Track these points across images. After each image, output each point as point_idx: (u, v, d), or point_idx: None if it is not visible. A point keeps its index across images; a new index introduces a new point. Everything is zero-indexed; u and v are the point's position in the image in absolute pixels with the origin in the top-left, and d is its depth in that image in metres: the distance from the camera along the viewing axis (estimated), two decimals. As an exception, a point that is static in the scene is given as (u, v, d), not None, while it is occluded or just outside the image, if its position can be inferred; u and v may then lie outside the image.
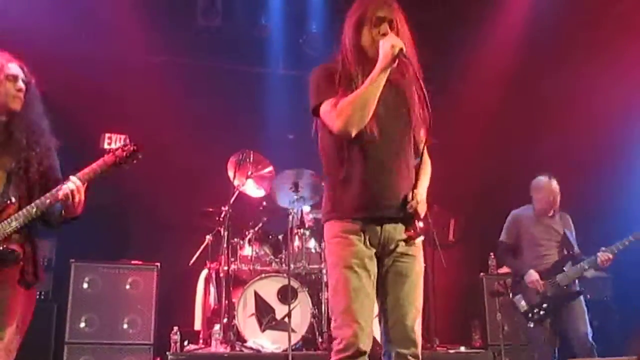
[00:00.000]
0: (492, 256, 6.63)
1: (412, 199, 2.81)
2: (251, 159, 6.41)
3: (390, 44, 2.74)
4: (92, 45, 7.22)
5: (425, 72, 2.87)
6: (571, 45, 7.32)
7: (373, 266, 2.82)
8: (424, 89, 2.80)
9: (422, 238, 2.87)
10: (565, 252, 5.64)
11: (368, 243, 2.82)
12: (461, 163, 7.87)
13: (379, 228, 2.81)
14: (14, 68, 3.19)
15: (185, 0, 7.61)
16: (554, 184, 5.77)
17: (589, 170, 7.05)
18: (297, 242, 6.11)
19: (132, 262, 6.28)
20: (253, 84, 8.06)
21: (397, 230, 2.84)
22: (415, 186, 2.88)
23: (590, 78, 7.08)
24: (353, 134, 2.75)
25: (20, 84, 3.18)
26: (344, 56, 2.90)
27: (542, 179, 5.83)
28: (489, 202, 7.83)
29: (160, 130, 7.59)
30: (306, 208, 6.41)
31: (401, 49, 2.73)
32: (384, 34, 2.83)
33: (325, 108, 2.82)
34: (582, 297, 5.58)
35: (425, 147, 2.98)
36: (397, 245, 2.85)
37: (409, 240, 2.85)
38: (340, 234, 2.84)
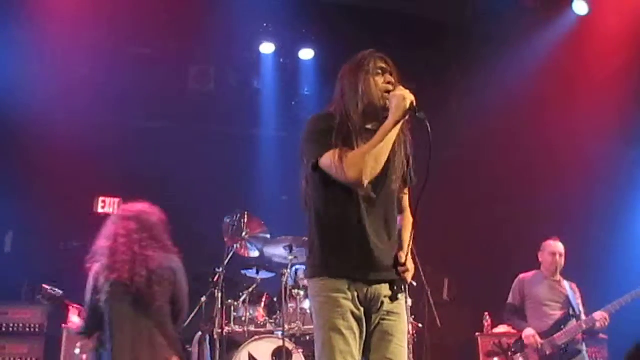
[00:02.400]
0: (487, 315, 6.73)
1: (404, 264, 2.86)
2: (245, 220, 6.43)
3: (403, 96, 2.79)
4: (85, 110, 7.41)
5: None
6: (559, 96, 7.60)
7: (361, 326, 2.83)
8: (409, 150, 2.95)
9: (409, 302, 2.94)
10: (570, 313, 5.78)
11: (357, 301, 2.83)
12: (455, 223, 8.00)
13: (366, 287, 2.84)
14: None
15: (179, 65, 7.82)
16: (559, 244, 5.99)
17: (585, 227, 7.26)
18: (291, 303, 6.11)
19: None
20: (246, 146, 8.20)
21: (383, 288, 2.87)
22: (401, 247, 2.93)
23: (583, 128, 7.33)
24: (366, 184, 2.76)
25: None
26: (344, 104, 2.91)
27: (548, 241, 6.06)
28: (482, 262, 7.92)
29: (154, 193, 7.78)
30: (300, 268, 6.48)
31: (412, 102, 2.78)
32: (390, 83, 2.89)
33: (329, 159, 2.79)
34: (585, 355, 5.70)
35: (408, 202, 3.05)
36: (382, 303, 2.87)
37: (394, 298, 2.87)
38: (326, 293, 2.84)
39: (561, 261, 5.93)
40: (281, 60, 8.09)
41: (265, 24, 7.53)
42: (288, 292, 6.01)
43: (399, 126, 2.81)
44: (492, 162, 8.06)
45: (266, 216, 6.65)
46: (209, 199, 7.58)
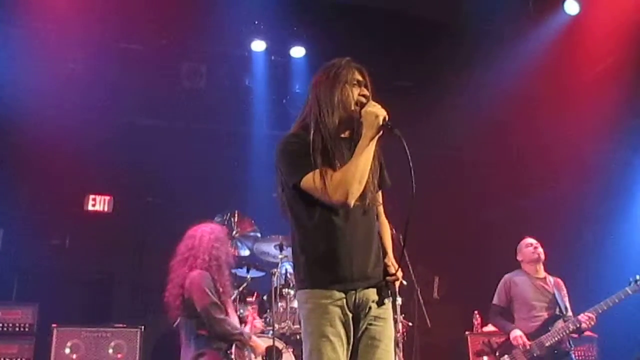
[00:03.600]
0: (477, 314, 6.78)
1: (394, 274, 2.94)
2: (236, 219, 6.54)
3: (375, 113, 2.83)
4: (75, 106, 7.44)
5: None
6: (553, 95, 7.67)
7: (349, 332, 2.89)
8: (381, 160, 3.00)
9: (399, 300, 3.02)
10: (557, 313, 5.80)
11: (345, 307, 2.88)
12: (444, 221, 8.04)
13: (354, 294, 2.90)
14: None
15: (170, 62, 7.77)
16: (530, 239, 6.08)
17: (574, 226, 7.34)
18: (281, 302, 6.16)
19: (115, 325, 6.35)
20: (237, 144, 8.21)
21: (371, 293, 2.93)
22: (385, 253, 3.02)
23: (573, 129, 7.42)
24: (352, 205, 2.81)
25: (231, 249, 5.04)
26: (319, 112, 2.93)
27: (523, 240, 6.14)
28: (473, 260, 8.01)
29: (144, 191, 7.91)
30: (291, 267, 6.53)
31: (385, 118, 2.84)
32: (364, 96, 2.94)
33: (311, 183, 2.83)
34: (572, 356, 5.75)
35: (382, 209, 3.14)
36: (370, 308, 2.93)
37: (381, 303, 2.94)
38: (314, 300, 2.88)
39: (540, 249, 5.96)
40: (272, 58, 8.06)
41: (256, 22, 7.48)
42: (278, 291, 6.06)
43: (374, 142, 2.87)
44: (484, 162, 8.14)
45: (257, 215, 6.71)
46: (199, 197, 7.59)
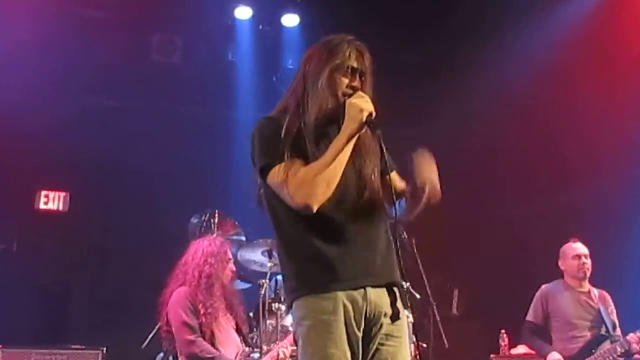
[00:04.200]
0: (504, 334, 6.69)
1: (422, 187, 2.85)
2: (216, 220, 6.50)
3: (359, 107, 2.82)
4: (25, 85, 7.38)
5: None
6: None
7: (357, 353, 2.82)
8: (386, 158, 2.92)
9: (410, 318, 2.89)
10: (602, 333, 5.75)
11: (352, 321, 2.82)
12: (466, 226, 8.06)
13: (360, 298, 2.83)
14: (229, 251, 5.23)
15: (139, 33, 7.80)
16: (581, 245, 5.99)
17: (625, 230, 7.25)
18: (271, 319, 6.05)
19: (73, 346, 6.22)
20: (218, 131, 8.18)
21: (382, 300, 2.86)
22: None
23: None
24: (314, 210, 2.77)
25: (232, 266, 5.23)
26: (303, 93, 2.94)
27: (568, 244, 6.05)
28: (500, 269, 7.94)
29: (108, 186, 7.87)
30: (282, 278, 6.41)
31: (370, 114, 2.81)
32: (353, 88, 2.92)
33: (276, 176, 2.83)
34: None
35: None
36: (381, 325, 2.86)
37: (395, 317, 2.87)
38: (315, 315, 2.81)
39: (588, 264, 5.93)
40: (260, 27, 8.07)
41: (241, -16, 7.67)
42: (267, 307, 6.00)
43: (353, 141, 2.84)
44: (513, 153, 8.05)
45: (241, 216, 6.65)
46: (173, 194, 7.64)
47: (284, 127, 2.86)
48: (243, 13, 7.82)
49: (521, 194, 8.31)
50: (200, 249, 5.15)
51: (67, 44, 7.36)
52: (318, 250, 2.82)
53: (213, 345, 4.92)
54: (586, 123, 7.66)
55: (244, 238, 6.64)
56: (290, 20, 7.93)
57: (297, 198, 2.76)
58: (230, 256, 5.23)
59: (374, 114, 2.81)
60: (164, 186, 7.73)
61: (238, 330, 5.22)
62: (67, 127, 7.46)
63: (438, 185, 2.90)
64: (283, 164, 2.80)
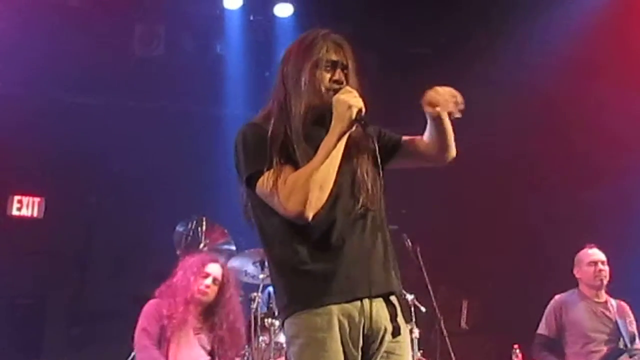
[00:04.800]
0: (517, 349, 6.70)
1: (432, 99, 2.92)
2: (204, 227, 6.49)
3: (348, 103, 2.85)
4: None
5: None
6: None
7: None
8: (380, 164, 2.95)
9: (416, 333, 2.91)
10: (620, 346, 5.81)
11: (348, 339, 2.83)
12: (476, 231, 8.06)
13: (357, 313, 2.84)
14: (210, 268, 5.37)
15: (119, 23, 7.80)
16: (597, 251, 6.05)
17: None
18: (263, 336, 5.98)
19: None
20: (206, 130, 8.20)
21: (381, 313, 2.88)
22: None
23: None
24: (310, 219, 2.79)
25: (208, 282, 5.31)
26: (284, 96, 2.99)
27: (583, 250, 6.11)
28: (512, 279, 7.98)
29: (86, 191, 7.93)
30: (275, 291, 6.44)
31: (360, 111, 2.84)
32: (337, 82, 2.97)
33: (265, 184, 2.84)
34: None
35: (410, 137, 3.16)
36: (382, 341, 2.87)
37: (397, 332, 2.89)
38: (308, 333, 2.82)
39: (606, 271, 5.97)
40: (251, 17, 8.07)
41: (230, -30, 7.55)
42: (259, 322, 5.95)
43: (344, 140, 2.87)
44: (525, 150, 8.10)
45: (231, 223, 6.58)
46: (157, 199, 7.65)
47: (269, 132, 2.88)
48: (232, 2, 7.79)
49: (537, 194, 8.33)
50: (181, 262, 5.50)
51: (40, 35, 7.36)
52: (309, 262, 2.85)
53: (167, 357, 5.14)
54: (608, 119, 7.72)
55: (234, 247, 6.63)
56: (284, 10, 7.90)
57: (290, 206, 2.78)
58: (209, 272, 5.39)
59: (363, 110, 2.85)
60: (147, 191, 7.76)
61: (211, 354, 5.36)
62: (41, 126, 7.49)
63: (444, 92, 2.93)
64: (271, 171, 2.82)
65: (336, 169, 2.85)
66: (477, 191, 8.08)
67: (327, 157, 2.83)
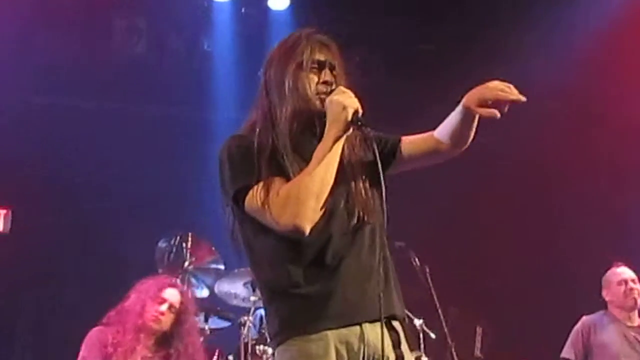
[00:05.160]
0: (538, 380, 6.74)
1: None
2: (189, 244, 6.49)
3: (342, 104, 2.85)
4: None
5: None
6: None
7: None
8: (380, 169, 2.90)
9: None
10: None
11: None
12: (492, 248, 8.04)
13: (356, 339, 2.83)
14: (167, 293, 5.27)
15: (96, 18, 7.79)
16: (626, 270, 6.04)
17: None
18: None
19: None
20: (192, 135, 8.19)
21: (379, 339, 2.82)
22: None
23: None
24: (307, 232, 2.77)
25: (163, 309, 5.19)
26: (269, 105, 3.00)
27: (612, 270, 6.07)
28: (532, 301, 7.96)
29: (58, 202, 7.83)
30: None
31: (356, 112, 2.84)
32: (326, 83, 2.98)
33: (255, 198, 2.83)
34: None
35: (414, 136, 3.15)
36: None
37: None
38: None
39: (638, 290, 5.97)
40: (243, 10, 8.10)
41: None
42: (250, 349, 5.95)
43: (340, 145, 2.87)
44: (546, 157, 8.08)
45: (219, 239, 6.39)
46: (137, 212, 7.70)
47: (256, 144, 2.90)
48: (222, -6, 7.84)
49: (557, 206, 8.35)
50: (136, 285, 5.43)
51: (4, 30, 7.31)
52: (302, 284, 2.84)
53: None
54: (632, 118, 7.84)
55: (222, 266, 6.63)
56: (279, 2, 7.95)
57: (284, 219, 2.75)
58: (165, 298, 5.27)
59: (360, 111, 2.84)
60: (126, 203, 7.78)
61: None
62: (7, 131, 7.43)
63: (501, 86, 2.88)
64: (261, 184, 2.82)
65: (333, 176, 2.85)
66: (491, 204, 8.10)
67: (322, 164, 2.83)
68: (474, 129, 3.01)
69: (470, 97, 2.89)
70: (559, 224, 8.33)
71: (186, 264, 6.48)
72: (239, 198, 2.86)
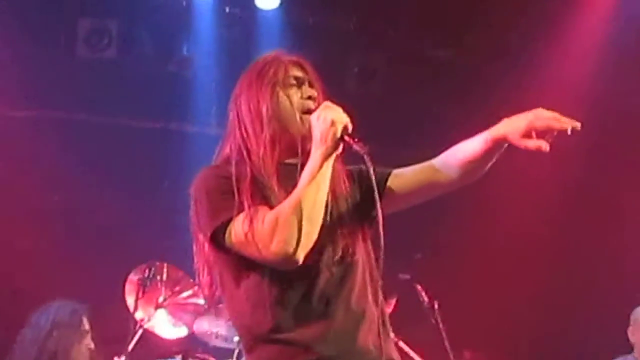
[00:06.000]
0: None
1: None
2: (163, 275, 6.49)
3: (330, 119, 2.88)
4: None
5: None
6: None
7: None
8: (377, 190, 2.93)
9: None
10: None
11: None
12: (508, 283, 8.04)
13: None
14: None
15: (60, 18, 7.84)
16: None
17: None
18: None
19: None
20: (167, 151, 8.24)
21: None
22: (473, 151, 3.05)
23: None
24: (300, 259, 2.78)
25: (89, 342, 5.37)
26: (242, 135, 3.05)
27: (638, 309, 6.17)
28: (554, 345, 8.02)
29: (13, 226, 7.70)
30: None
31: (346, 127, 2.88)
32: (311, 98, 3.05)
33: (238, 231, 2.85)
34: None
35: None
36: None
37: None
38: None
39: None
40: (227, 10, 8.11)
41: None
42: None
43: (330, 163, 2.91)
44: (581, 170, 8.16)
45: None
46: (105, 238, 7.69)
47: (234, 175, 2.92)
48: (203, -9, 7.80)
49: (578, 241, 8.35)
50: (44, 317, 5.32)
51: None
52: (287, 330, 2.86)
53: None
54: None
55: (202, 301, 6.57)
56: (268, 1, 7.94)
57: (274, 248, 2.75)
58: (87, 328, 5.36)
59: (350, 126, 2.88)
60: (93, 229, 7.81)
61: None
62: None
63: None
64: (243, 214, 2.84)
65: (325, 197, 2.88)
66: (512, 229, 8.10)
67: (312, 183, 2.86)
68: (493, 158, 3.07)
69: (511, 127, 2.93)
70: (579, 260, 8.37)
71: (161, 299, 6.47)
72: (218, 236, 2.87)
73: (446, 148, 3.09)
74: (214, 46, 8.18)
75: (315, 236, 2.82)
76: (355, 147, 2.88)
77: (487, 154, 3.04)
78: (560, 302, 8.29)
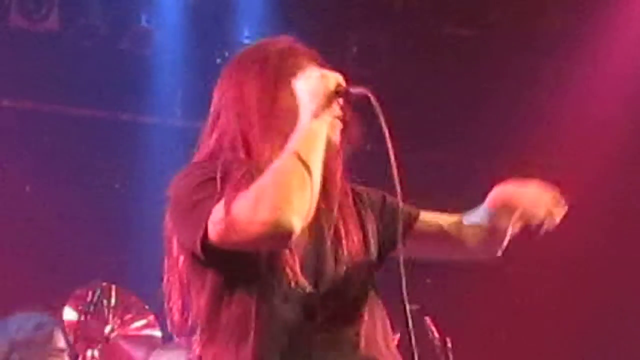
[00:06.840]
0: None
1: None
2: (112, 300, 6.44)
3: (320, 73, 2.93)
4: None
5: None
6: None
7: None
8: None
9: None
10: None
11: None
12: (530, 318, 8.35)
13: None
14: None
15: None
16: None
17: None
18: None
19: None
20: (121, 145, 8.30)
21: None
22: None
23: None
24: (298, 228, 2.69)
25: None
26: (241, 131, 3.02)
27: None
28: None
29: None
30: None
31: (339, 84, 2.91)
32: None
33: (217, 218, 2.75)
34: None
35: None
36: None
37: None
38: None
39: None
40: None
41: None
42: None
43: (324, 124, 2.89)
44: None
45: (156, 294, 6.42)
46: (43, 252, 7.78)
47: (218, 173, 2.84)
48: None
49: (605, 277, 8.52)
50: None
51: None
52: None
53: None
54: None
55: (159, 333, 6.56)
56: None
57: (261, 215, 2.67)
58: (61, 345, 5.35)
59: (343, 82, 2.90)
60: (29, 240, 7.90)
61: None
62: None
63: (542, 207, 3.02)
64: (219, 203, 2.75)
65: (320, 160, 2.83)
66: (526, 259, 7.99)
67: (303, 142, 2.85)
68: (505, 234, 3.14)
69: (497, 202, 3.08)
70: (605, 295, 8.53)
71: (107, 329, 6.40)
72: (203, 246, 2.76)
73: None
74: (180, 17, 8.21)
75: (310, 201, 2.78)
76: (355, 92, 2.90)
77: (486, 226, 3.14)
78: (590, 337, 8.46)
